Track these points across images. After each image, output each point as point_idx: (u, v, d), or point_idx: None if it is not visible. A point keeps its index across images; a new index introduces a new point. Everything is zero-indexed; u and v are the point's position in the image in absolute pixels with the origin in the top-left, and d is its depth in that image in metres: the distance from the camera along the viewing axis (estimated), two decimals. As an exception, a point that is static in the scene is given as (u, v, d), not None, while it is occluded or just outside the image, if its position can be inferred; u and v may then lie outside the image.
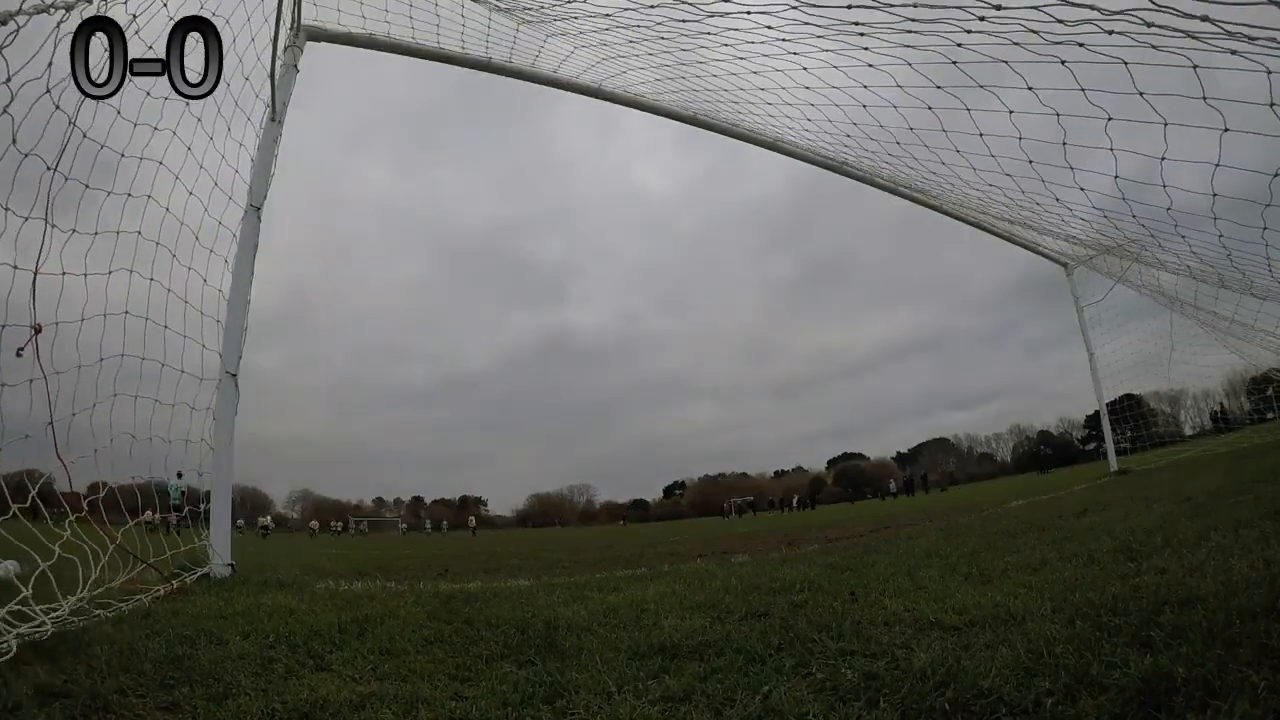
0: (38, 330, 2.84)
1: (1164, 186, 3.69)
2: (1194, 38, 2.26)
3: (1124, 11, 2.18)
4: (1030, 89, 3.30)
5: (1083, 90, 2.96)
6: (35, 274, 2.86)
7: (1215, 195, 3.39)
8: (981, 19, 2.73)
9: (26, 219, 2.84)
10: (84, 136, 3.18)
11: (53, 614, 2.34)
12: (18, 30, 2.51)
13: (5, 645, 1.86)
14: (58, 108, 2.95)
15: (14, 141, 2.75)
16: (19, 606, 2.31)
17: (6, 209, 2.74)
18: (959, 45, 3.12)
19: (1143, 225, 5.21)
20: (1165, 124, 2.88)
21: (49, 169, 3.00)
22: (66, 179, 3.08)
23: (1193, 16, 2.15)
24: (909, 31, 3.27)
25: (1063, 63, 2.84)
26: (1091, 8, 2.24)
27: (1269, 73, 2.15)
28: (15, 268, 2.76)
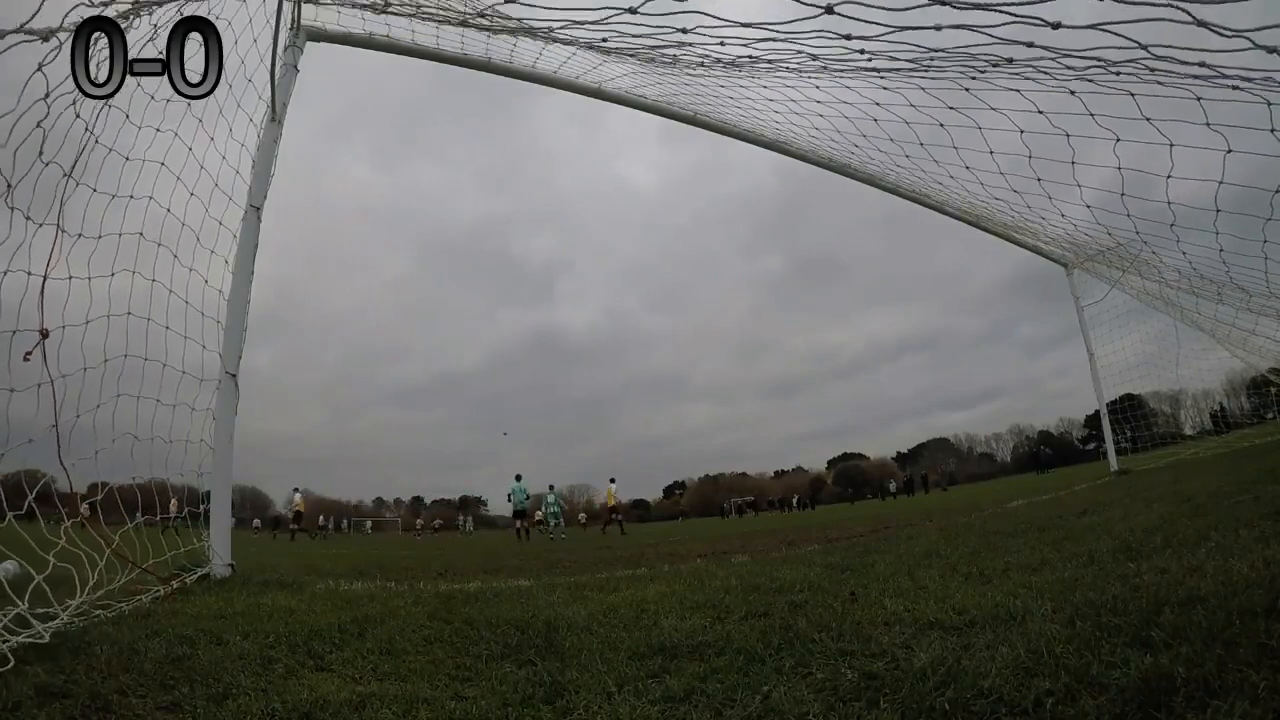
0: (45, 335, 2.86)
1: (1169, 204, 3.77)
2: (1197, 78, 2.32)
3: (1128, 61, 2.22)
4: (1040, 112, 3.38)
5: (1091, 115, 3.03)
6: (45, 279, 2.88)
7: (1219, 211, 3.44)
8: (995, 66, 2.79)
9: (41, 225, 2.87)
10: (96, 142, 3.19)
11: (51, 620, 2.34)
12: (60, 46, 2.53)
13: (2, 655, 1.86)
14: (78, 115, 2.98)
15: (40, 154, 2.80)
16: (18, 610, 2.31)
17: (28, 218, 2.78)
18: (973, 78, 3.20)
19: (1145, 242, 5.28)
20: (1171, 145, 2.97)
21: (72, 178, 3.04)
22: (78, 184, 3.10)
23: (1191, 64, 2.20)
24: (921, 75, 3.37)
25: (1071, 93, 2.90)
26: (1097, 60, 2.28)
27: (1270, 105, 2.20)
28: (29, 274, 2.80)
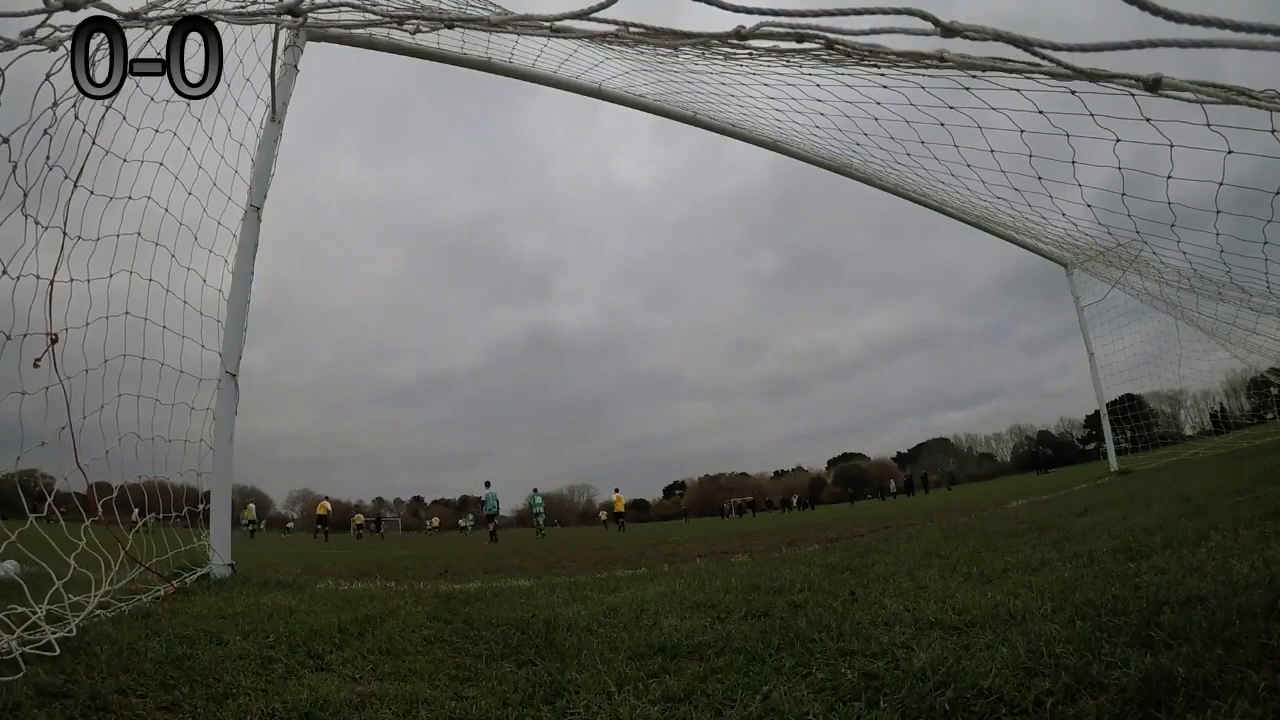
0: (54, 340, 2.86)
1: (1169, 204, 3.77)
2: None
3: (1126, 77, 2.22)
4: (1041, 112, 3.39)
5: (1091, 115, 3.03)
6: (52, 283, 2.88)
7: (1219, 212, 3.44)
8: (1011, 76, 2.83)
9: (47, 228, 2.86)
10: (93, 143, 3.18)
11: (59, 624, 2.34)
12: (66, 55, 2.52)
13: (10, 658, 1.86)
14: (77, 118, 2.98)
15: (48, 158, 2.80)
16: (22, 610, 2.32)
17: (38, 223, 2.77)
18: (974, 76, 3.22)
19: (1145, 243, 5.30)
20: (1172, 146, 2.98)
21: (77, 184, 3.04)
22: (75, 186, 3.09)
23: (1188, 90, 2.22)
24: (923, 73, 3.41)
25: (1073, 92, 2.90)
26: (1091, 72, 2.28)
27: (1271, 110, 2.20)
28: (37, 278, 2.80)
